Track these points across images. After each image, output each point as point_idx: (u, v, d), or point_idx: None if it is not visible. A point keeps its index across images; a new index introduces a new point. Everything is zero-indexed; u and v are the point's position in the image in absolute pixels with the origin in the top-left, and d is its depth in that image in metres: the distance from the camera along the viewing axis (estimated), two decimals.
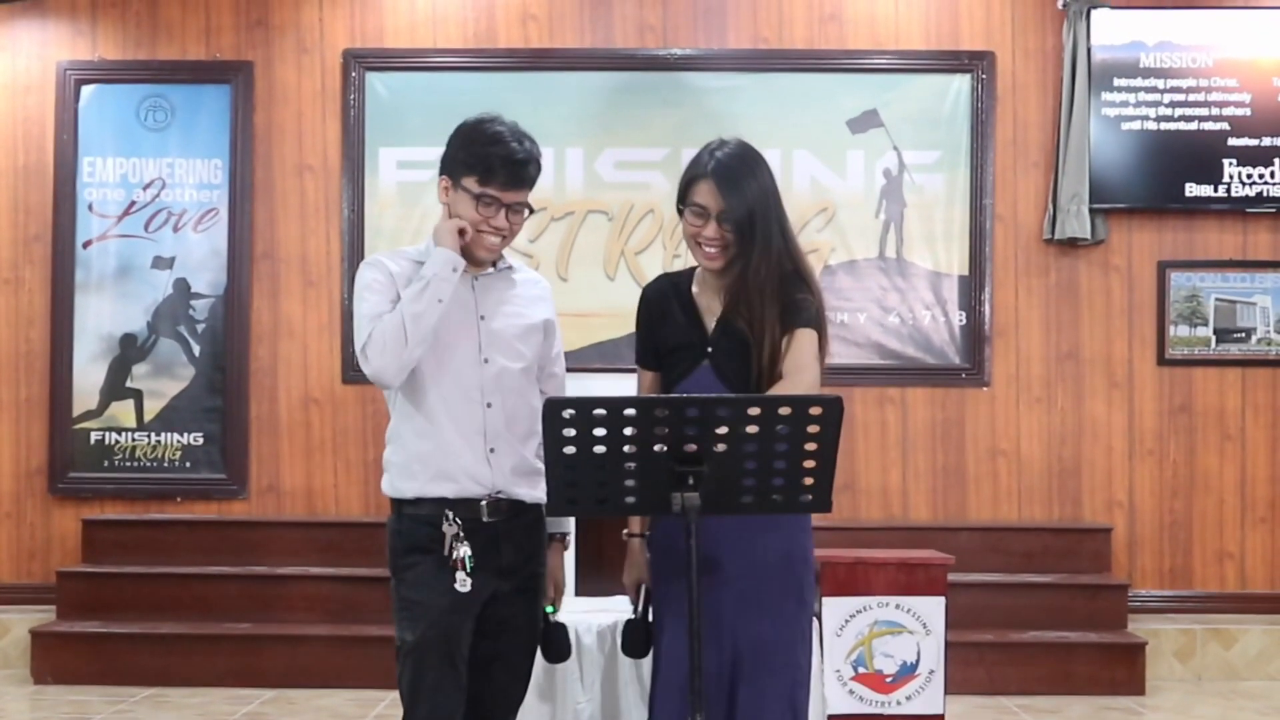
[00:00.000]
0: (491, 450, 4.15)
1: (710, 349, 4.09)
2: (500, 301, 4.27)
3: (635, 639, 4.26)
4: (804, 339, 4.02)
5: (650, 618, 4.22)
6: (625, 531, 4.30)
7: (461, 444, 4.14)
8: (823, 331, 4.08)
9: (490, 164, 4.13)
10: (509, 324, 4.26)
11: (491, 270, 4.30)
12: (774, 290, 4.04)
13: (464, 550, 4.06)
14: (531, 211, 4.27)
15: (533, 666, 4.36)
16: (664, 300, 4.23)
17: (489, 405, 4.17)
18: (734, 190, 4.05)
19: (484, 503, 4.13)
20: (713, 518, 3.64)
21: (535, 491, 4.19)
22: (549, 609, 4.31)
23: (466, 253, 4.19)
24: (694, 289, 4.21)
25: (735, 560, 3.97)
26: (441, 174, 4.24)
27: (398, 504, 4.20)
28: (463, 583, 4.05)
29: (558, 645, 4.33)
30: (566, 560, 4.44)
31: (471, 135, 4.21)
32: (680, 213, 4.16)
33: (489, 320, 4.22)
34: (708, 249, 4.08)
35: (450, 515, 4.09)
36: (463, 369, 4.17)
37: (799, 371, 3.97)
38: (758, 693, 3.97)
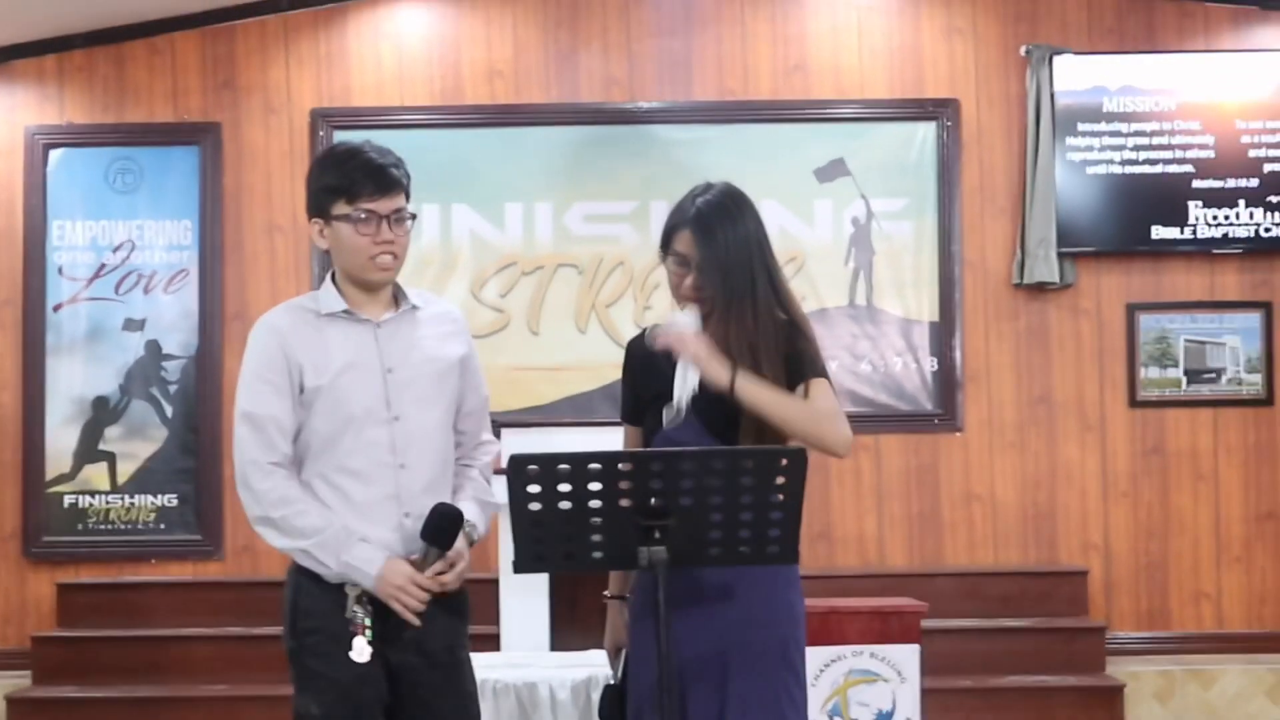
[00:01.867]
0: (406, 515, 3.93)
1: (694, 396, 3.95)
2: (407, 348, 4.02)
3: (614, 705, 4.12)
4: (823, 389, 3.92)
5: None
6: (605, 593, 4.21)
7: (372, 511, 3.92)
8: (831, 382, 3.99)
9: (353, 178, 3.92)
10: (419, 372, 4.01)
11: (392, 314, 4.05)
12: (770, 343, 3.93)
13: (363, 616, 3.85)
14: (414, 218, 4.04)
15: None
16: (648, 352, 4.09)
17: (402, 466, 3.95)
18: (713, 239, 3.95)
19: None
20: (698, 578, 3.59)
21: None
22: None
23: (361, 281, 4.00)
24: None
25: (719, 614, 3.86)
26: (311, 219, 4.02)
27: (296, 565, 3.97)
28: (360, 651, 3.83)
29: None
30: (540, 612, 4.38)
31: (324, 164, 4.03)
32: (663, 259, 4.06)
33: (396, 372, 3.98)
34: (689, 297, 3.99)
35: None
36: (369, 429, 3.93)
37: (836, 417, 3.89)
38: None
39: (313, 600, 3.92)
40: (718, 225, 3.98)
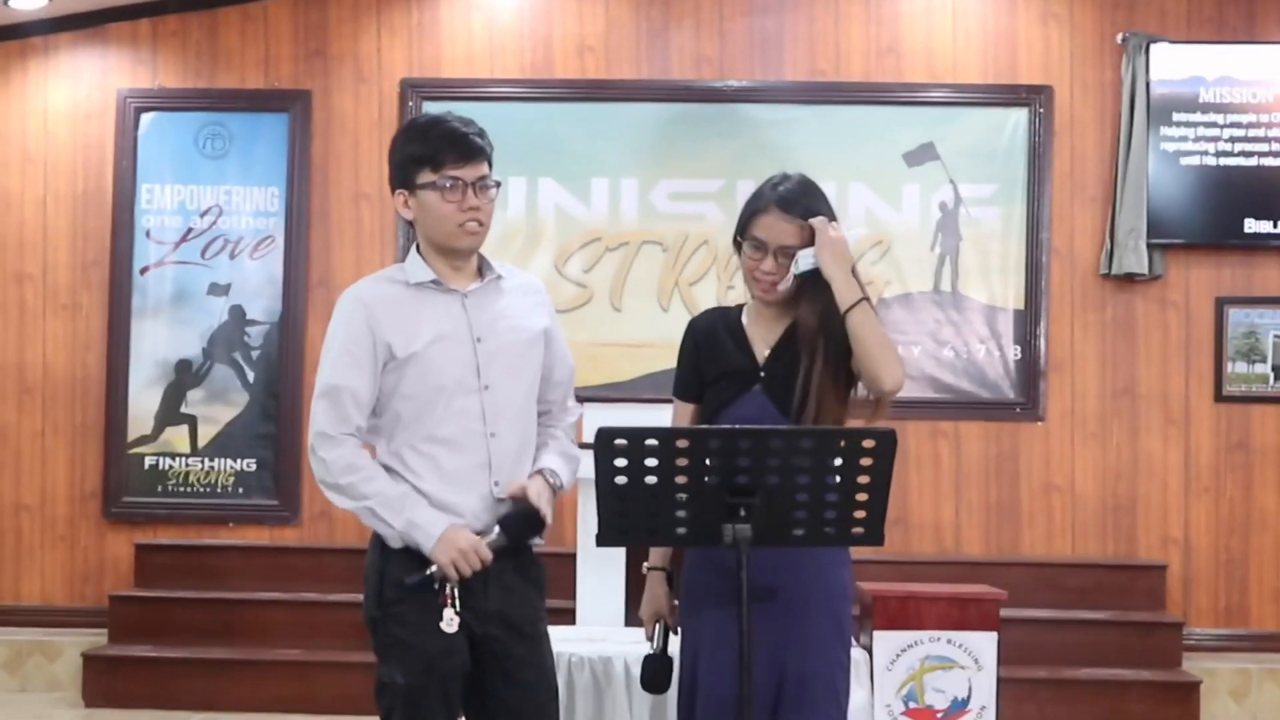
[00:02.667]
0: (495, 483, 3.96)
1: (763, 374, 4.06)
2: (495, 318, 4.04)
3: (657, 674, 4.21)
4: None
5: (668, 651, 4.20)
6: (646, 565, 4.25)
7: (463, 479, 3.95)
8: None
9: (437, 146, 3.95)
10: (506, 342, 4.03)
11: (479, 283, 4.07)
12: (838, 327, 4.00)
13: (450, 587, 3.86)
14: (499, 185, 4.05)
15: (556, 718, 4.11)
16: (713, 330, 4.19)
17: (493, 435, 3.97)
18: (794, 223, 4.02)
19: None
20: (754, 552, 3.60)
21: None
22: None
23: (448, 250, 4.02)
24: (744, 320, 4.18)
25: (775, 594, 3.92)
26: (395, 191, 4.05)
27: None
28: (449, 622, 3.86)
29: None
30: (616, 587, 4.36)
31: (407, 135, 4.06)
32: (738, 245, 4.11)
33: (485, 341, 4.00)
34: (764, 282, 4.05)
35: None
36: (460, 399, 3.95)
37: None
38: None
39: (401, 570, 3.92)
40: (799, 212, 4.04)
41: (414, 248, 4.11)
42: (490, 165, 4.03)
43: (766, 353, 4.09)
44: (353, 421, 3.97)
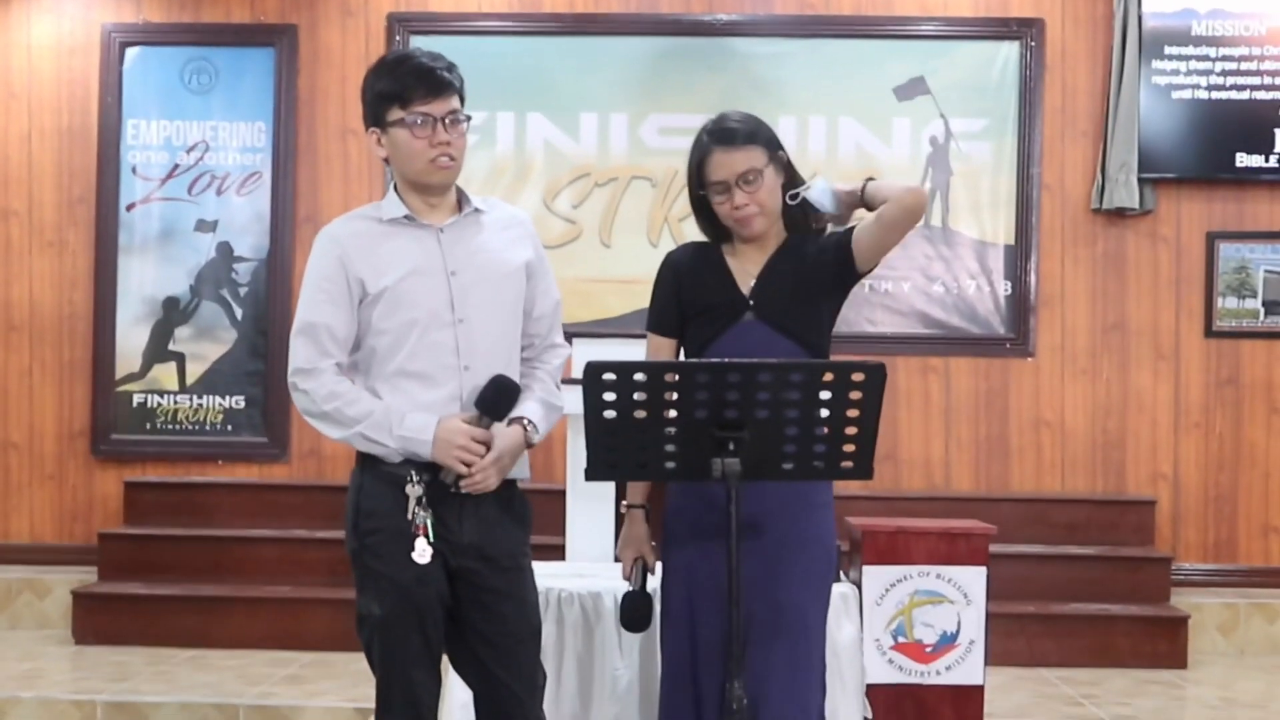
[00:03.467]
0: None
1: (752, 301, 4.07)
2: (472, 251, 4.05)
3: (636, 612, 4.22)
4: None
5: (646, 589, 4.20)
6: (625, 502, 4.25)
7: (436, 411, 3.94)
8: None
9: (405, 82, 3.97)
10: (483, 275, 4.04)
11: (456, 217, 4.08)
12: (802, 251, 4.15)
13: (425, 516, 3.89)
14: (469, 119, 4.07)
15: (536, 653, 4.13)
16: (694, 264, 4.20)
17: (466, 368, 3.97)
18: (741, 150, 4.07)
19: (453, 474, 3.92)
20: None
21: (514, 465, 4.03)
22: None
23: (422, 185, 4.04)
24: (725, 253, 4.19)
25: (759, 533, 3.92)
26: (369, 129, 4.07)
27: (361, 458, 4.02)
28: (421, 552, 3.87)
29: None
30: (605, 523, 4.36)
31: (376, 73, 4.07)
32: (702, 201, 4.17)
33: (460, 275, 4.01)
34: (742, 215, 4.07)
35: (415, 477, 3.91)
36: (434, 332, 3.97)
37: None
38: (765, 654, 3.93)
39: (374, 501, 3.96)
40: (738, 134, 4.10)
41: (391, 185, 4.13)
42: (461, 99, 4.06)
43: (752, 283, 4.10)
44: (331, 355, 3.99)
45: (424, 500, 3.90)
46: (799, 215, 4.18)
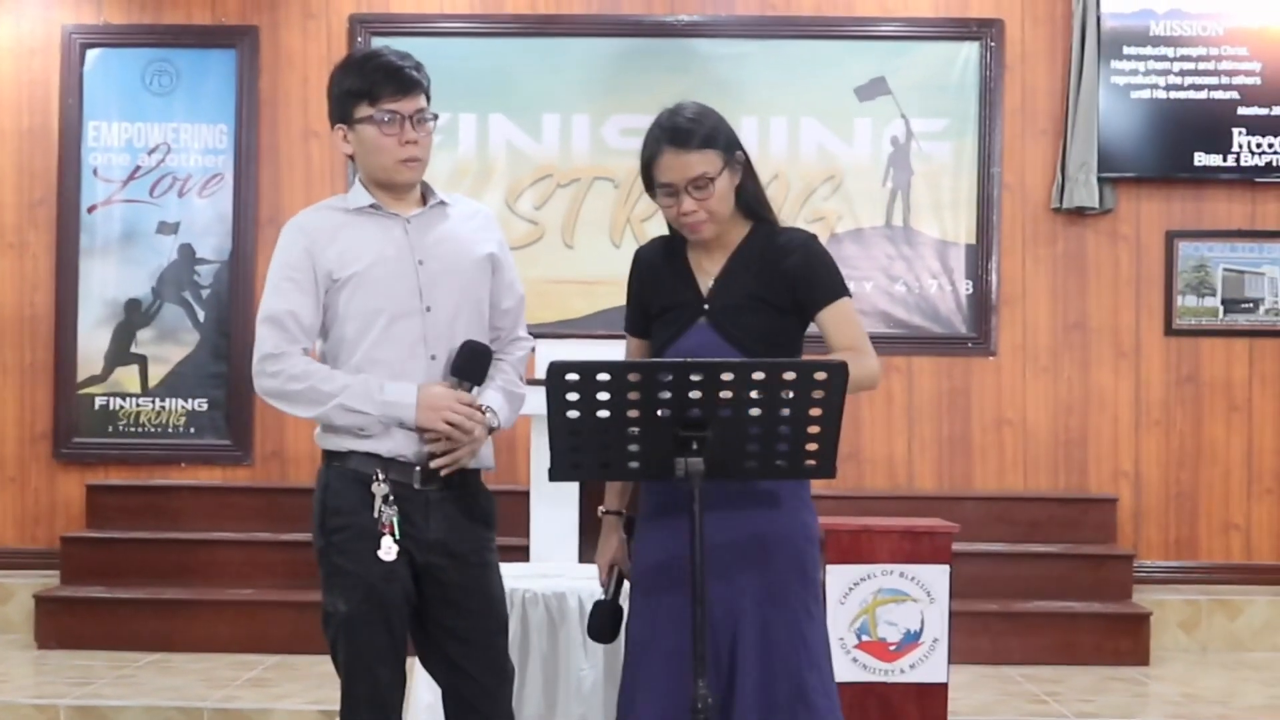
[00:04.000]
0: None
1: (707, 307, 3.97)
2: (438, 241, 4.05)
3: (604, 622, 4.07)
4: (847, 311, 4.01)
5: (619, 600, 4.07)
6: (601, 508, 4.17)
7: None
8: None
9: (373, 79, 3.96)
10: (450, 265, 4.04)
11: (422, 209, 4.09)
12: (762, 254, 3.99)
13: (391, 514, 3.90)
14: (436, 118, 4.07)
15: (505, 648, 4.13)
16: (654, 262, 4.10)
17: (433, 358, 3.98)
18: (694, 154, 3.88)
19: (418, 469, 3.95)
20: (712, 497, 3.54)
21: (478, 455, 4.03)
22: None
23: (389, 184, 4.03)
24: (688, 249, 4.06)
25: (737, 541, 3.84)
26: (334, 125, 4.07)
27: (328, 456, 4.02)
28: (387, 550, 3.87)
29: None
30: (569, 523, 4.34)
31: (344, 70, 4.06)
32: (653, 195, 3.98)
33: (427, 264, 4.01)
34: (690, 223, 3.93)
35: (380, 475, 3.91)
36: (401, 321, 3.97)
37: (864, 353, 3.94)
38: (764, 670, 3.85)
39: (340, 499, 3.96)
40: (691, 135, 3.90)
41: (356, 178, 4.13)
42: (428, 98, 4.05)
43: (710, 284, 4.00)
44: (299, 341, 3.98)
45: (390, 498, 3.90)
46: (755, 204, 4.03)
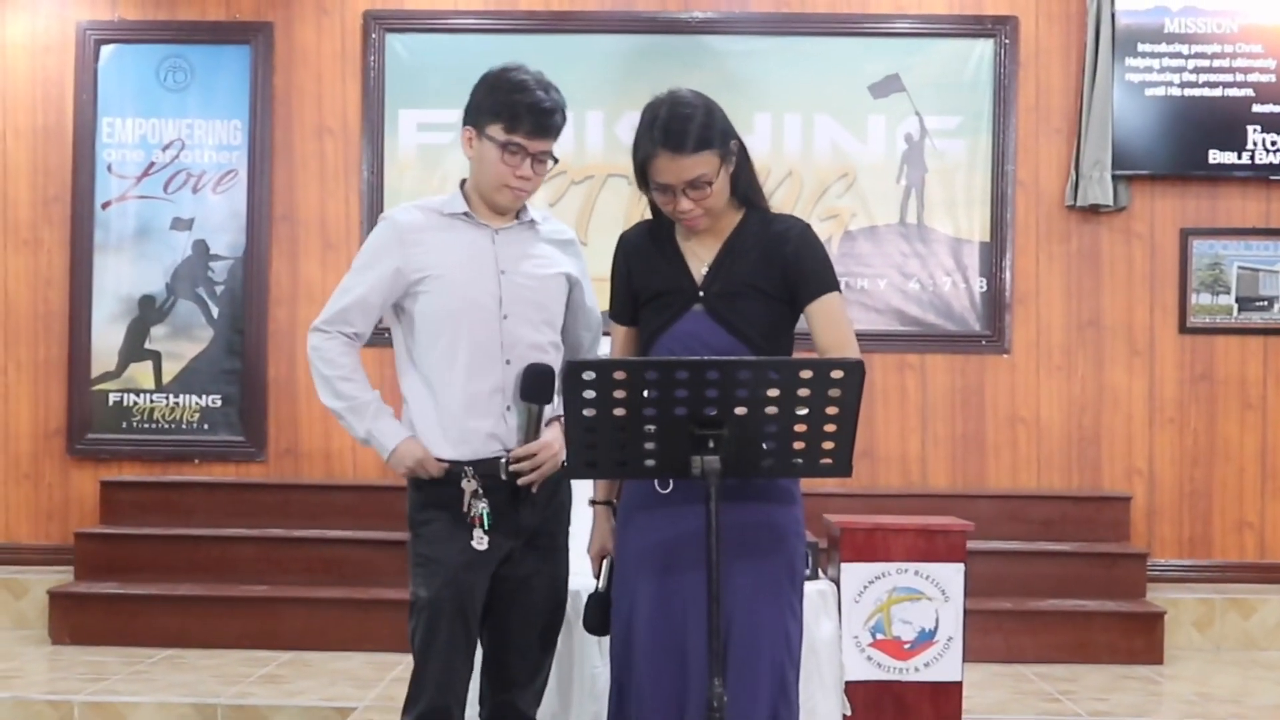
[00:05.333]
0: (508, 408, 4.14)
1: (702, 293, 3.95)
2: (521, 256, 4.23)
3: (600, 615, 4.09)
4: (836, 306, 3.95)
5: (611, 592, 4.06)
6: (590, 499, 4.21)
7: (479, 404, 4.12)
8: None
9: (516, 111, 4.09)
10: (530, 278, 4.21)
11: (514, 223, 4.25)
12: (758, 241, 3.97)
13: (482, 507, 4.07)
14: (555, 161, 4.21)
15: (556, 629, 4.32)
16: (643, 247, 4.08)
17: (508, 362, 4.14)
18: (690, 158, 3.86)
19: (502, 460, 4.12)
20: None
21: None
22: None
23: (490, 202, 4.19)
24: (678, 234, 4.04)
25: (729, 533, 3.69)
26: (466, 124, 4.20)
27: None
28: (479, 540, 4.06)
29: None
30: (584, 522, 4.35)
31: (497, 83, 4.17)
32: (644, 188, 3.96)
33: (509, 275, 4.18)
34: (687, 218, 3.92)
35: (469, 472, 4.09)
36: (481, 325, 4.13)
37: (846, 350, 3.89)
38: (744, 663, 3.84)
39: (430, 495, 4.16)
40: (688, 136, 3.87)
41: (461, 181, 4.31)
42: (556, 138, 4.21)
43: (704, 271, 3.97)
44: (351, 325, 4.23)
45: (479, 492, 4.09)
46: (749, 190, 4.01)
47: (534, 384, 4.16)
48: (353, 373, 4.21)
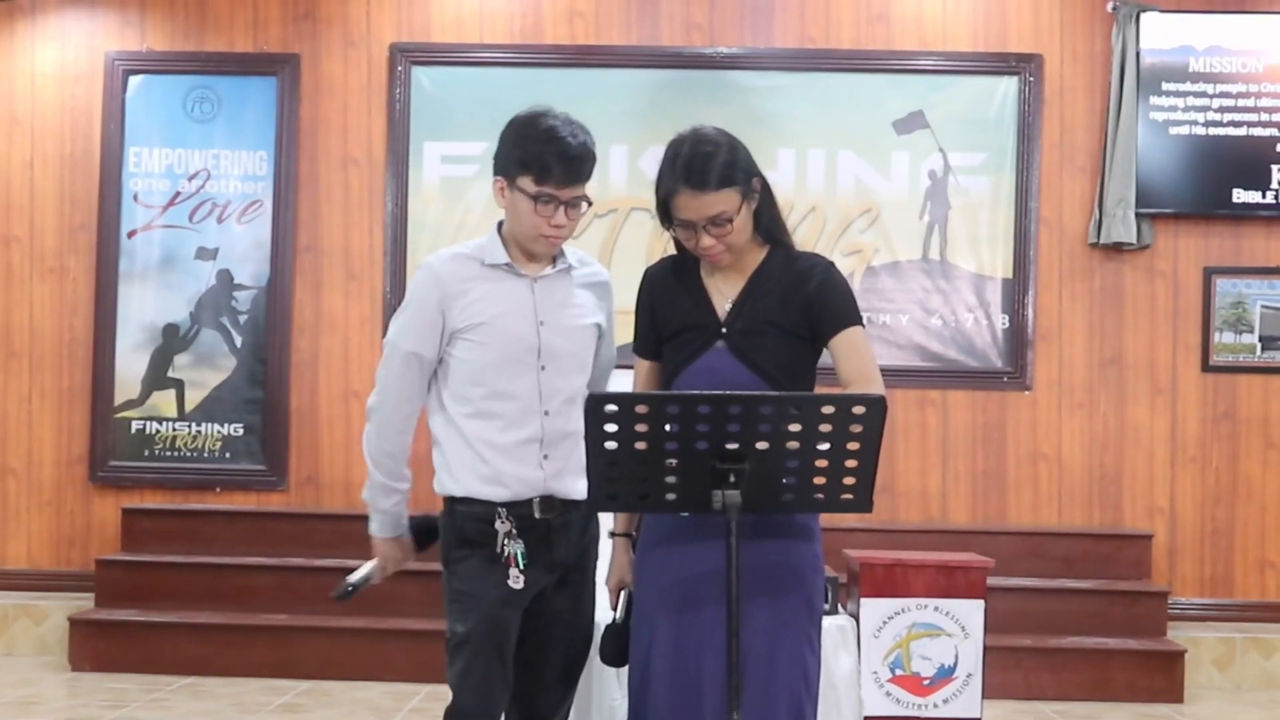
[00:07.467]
0: (545, 456, 4.12)
1: (725, 330, 3.94)
2: (560, 305, 4.20)
3: (617, 646, 4.10)
4: (859, 340, 3.96)
5: (629, 623, 4.04)
6: (610, 530, 4.21)
7: (516, 452, 4.11)
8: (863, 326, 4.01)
9: (545, 162, 4.03)
10: (567, 328, 4.19)
11: (550, 270, 4.21)
12: (781, 279, 3.96)
13: (517, 548, 4.08)
14: (589, 204, 4.17)
15: (582, 664, 4.32)
16: (667, 282, 4.08)
17: (546, 413, 4.13)
18: (712, 195, 3.86)
19: (536, 500, 4.11)
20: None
21: (577, 487, 4.15)
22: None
23: (526, 250, 4.18)
24: (702, 269, 4.04)
25: (748, 567, 3.67)
26: (496, 175, 4.16)
27: (449, 500, 4.18)
28: (515, 579, 4.06)
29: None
30: (604, 553, 4.35)
31: (524, 132, 4.11)
32: (666, 225, 3.97)
33: (548, 326, 4.15)
34: (709, 254, 3.93)
35: (503, 513, 4.08)
36: (520, 375, 4.12)
37: (870, 381, 3.90)
38: (762, 697, 3.83)
39: (464, 532, 4.15)
40: (720, 177, 3.88)
41: (497, 225, 4.27)
42: (588, 180, 4.17)
43: (728, 307, 3.98)
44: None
45: (513, 532, 4.09)
46: (772, 226, 4.01)
47: (421, 532, 4.34)
48: (398, 438, 4.26)
